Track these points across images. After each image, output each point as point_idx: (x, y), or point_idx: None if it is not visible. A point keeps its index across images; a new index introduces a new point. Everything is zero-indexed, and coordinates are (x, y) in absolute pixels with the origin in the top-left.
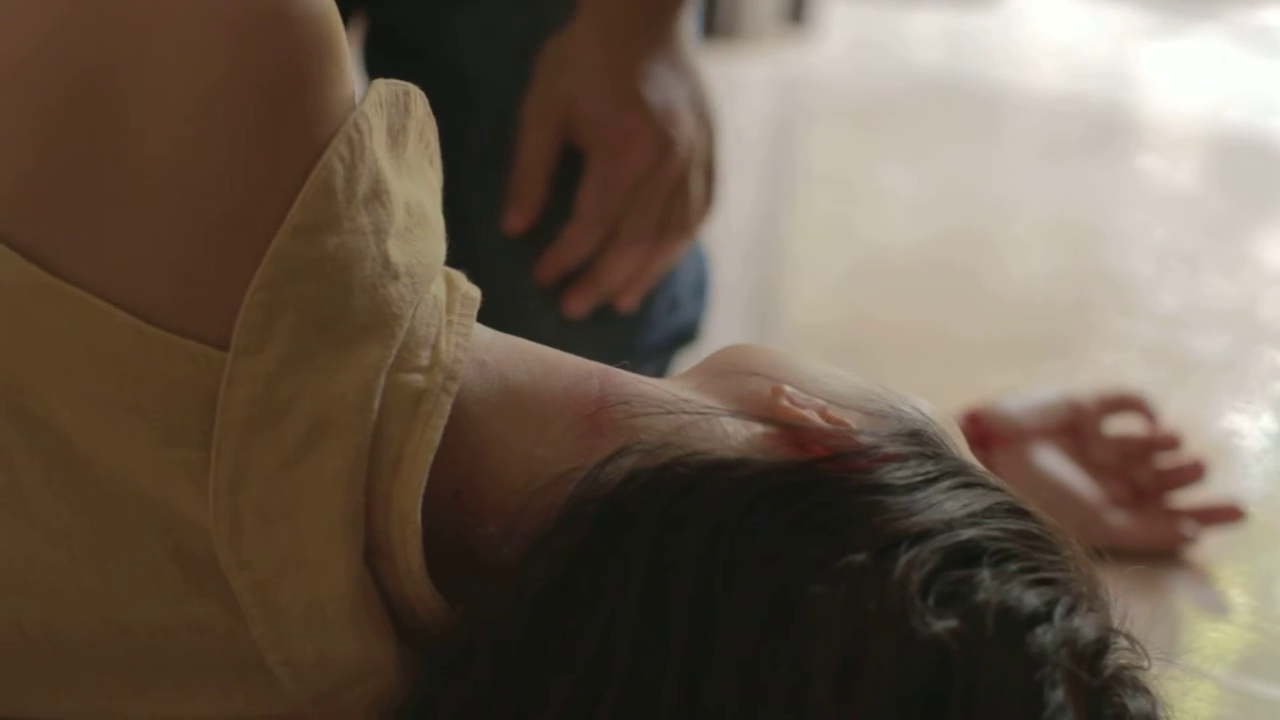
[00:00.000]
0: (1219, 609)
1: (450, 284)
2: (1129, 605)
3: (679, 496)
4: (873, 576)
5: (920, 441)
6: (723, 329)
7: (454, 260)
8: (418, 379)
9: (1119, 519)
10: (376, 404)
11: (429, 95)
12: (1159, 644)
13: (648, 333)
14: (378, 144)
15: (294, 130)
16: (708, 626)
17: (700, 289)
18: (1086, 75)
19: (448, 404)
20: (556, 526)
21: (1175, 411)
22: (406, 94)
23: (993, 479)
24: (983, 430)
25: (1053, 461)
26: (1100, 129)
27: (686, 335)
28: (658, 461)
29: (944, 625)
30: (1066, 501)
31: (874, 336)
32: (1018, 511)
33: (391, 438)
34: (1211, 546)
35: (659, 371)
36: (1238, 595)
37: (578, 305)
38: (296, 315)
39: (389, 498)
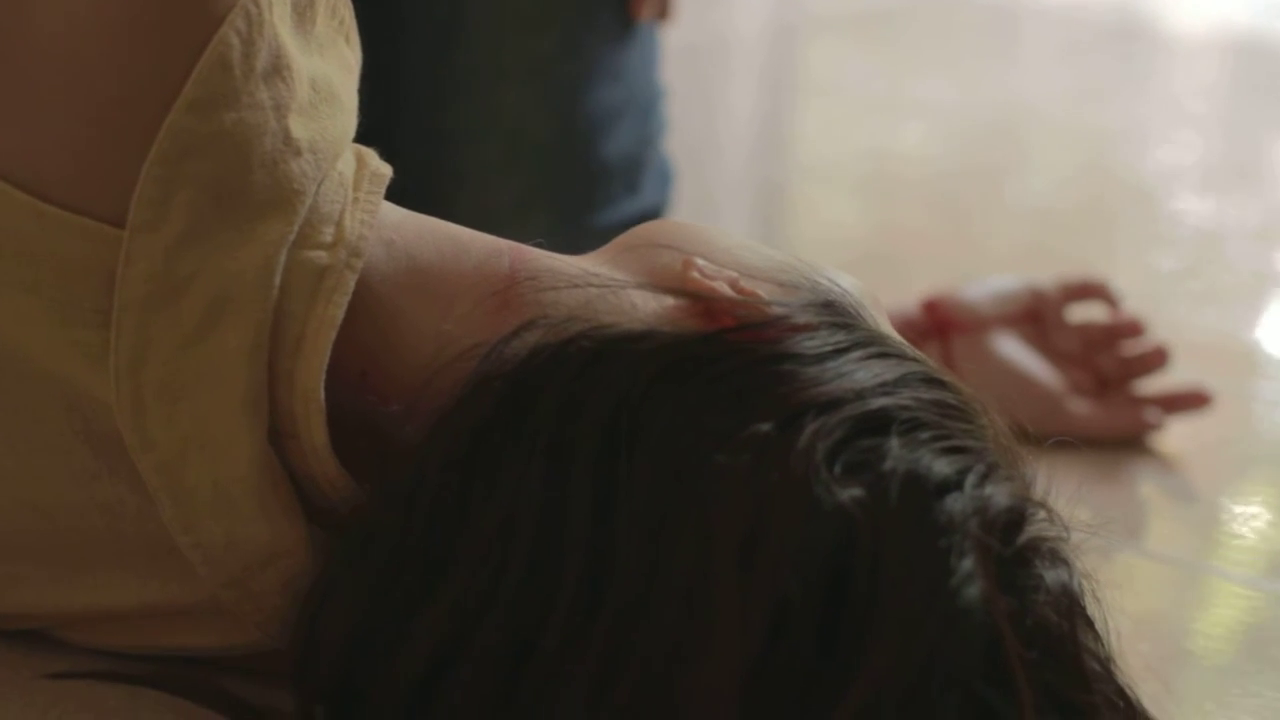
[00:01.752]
0: (1183, 496)
1: (360, 161)
2: (1054, 479)
3: (583, 370)
4: (777, 446)
5: (834, 312)
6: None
7: (419, 145)
8: (320, 255)
9: (1082, 407)
10: (277, 280)
11: None
12: (1121, 529)
13: (605, 213)
14: (279, 19)
15: (188, 5)
16: (610, 499)
17: (664, 177)
18: None
19: (351, 280)
20: (460, 403)
21: (1201, 318)
22: None
23: (909, 349)
24: (941, 318)
25: (1013, 349)
26: (1116, 34)
27: (648, 219)
28: (563, 335)
29: (849, 494)
30: (1028, 390)
31: (897, 244)
32: (932, 381)
33: (294, 315)
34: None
35: None
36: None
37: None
38: (193, 191)
39: (292, 376)
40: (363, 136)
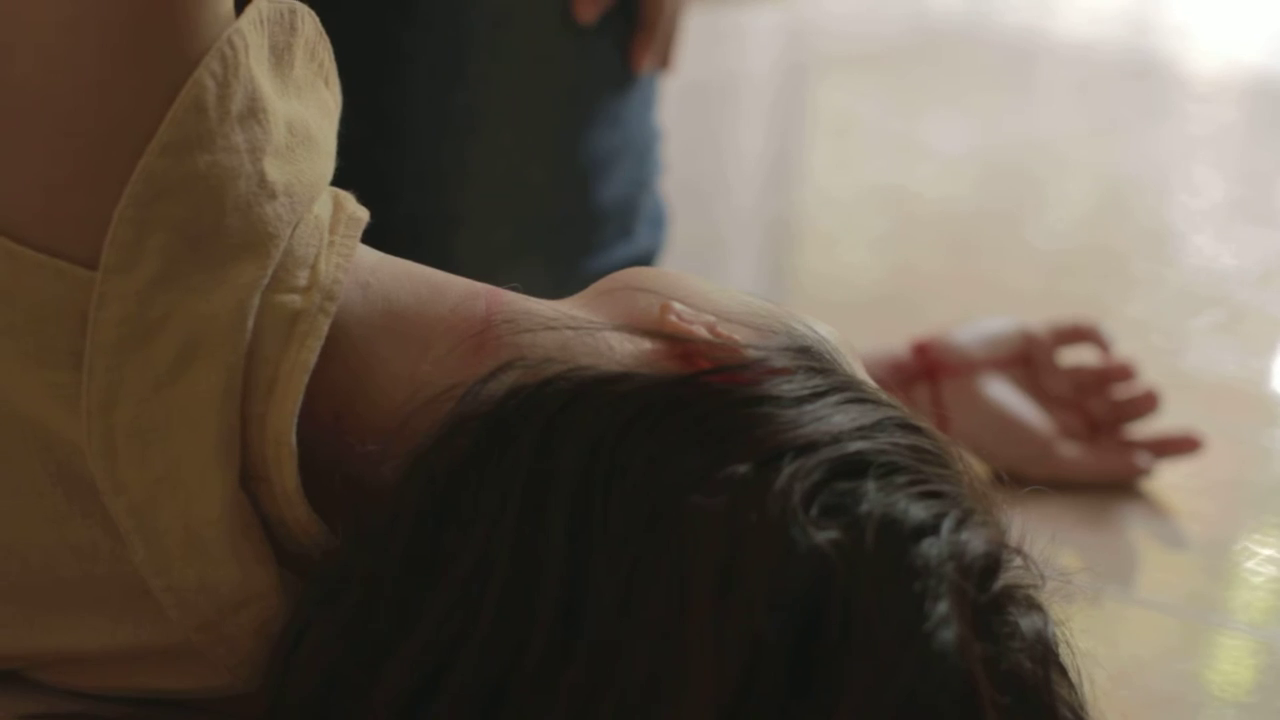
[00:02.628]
0: (1174, 542)
1: (337, 204)
2: (1025, 526)
3: (560, 411)
4: (754, 487)
5: (810, 357)
6: (737, 277)
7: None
8: (294, 299)
9: (1072, 450)
10: (250, 324)
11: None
12: (1112, 575)
13: (599, 257)
14: (255, 61)
15: (164, 46)
16: (586, 538)
17: (658, 220)
18: (1113, 20)
19: (324, 325)
20: (436, 443)
21: (1219, 363)
22: (292, 12)
23: (885, 396)
24: (931, 361)
25: (1003, 393)
26: (1131, 73)
27: (642, 264)
28: (540, 376)
29: (825, 536)
30: (1017, 433)
31: (910, 285)
32: (909, 427)
33: (267, 359)
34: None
35: None
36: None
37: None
38: (167, 234)
39: (264, 419)
40: (362, 176)
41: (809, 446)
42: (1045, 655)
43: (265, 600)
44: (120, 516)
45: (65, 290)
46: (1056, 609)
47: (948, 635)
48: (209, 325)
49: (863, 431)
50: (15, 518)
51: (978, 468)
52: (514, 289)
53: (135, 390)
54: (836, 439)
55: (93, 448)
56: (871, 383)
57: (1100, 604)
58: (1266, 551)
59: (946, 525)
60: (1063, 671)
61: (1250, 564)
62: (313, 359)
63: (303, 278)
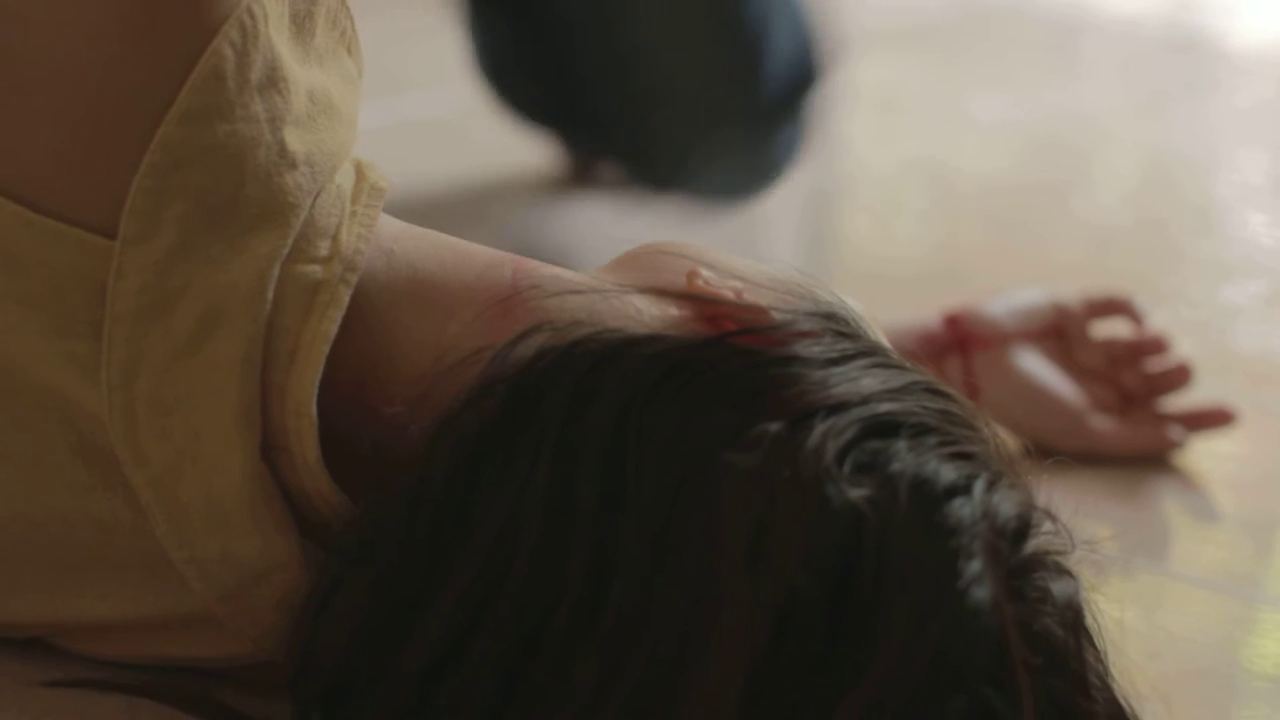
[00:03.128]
0: (1207, 516)
1: (359, 174)
2: (1055, 495)
3: (589, 372)
4: (787, 444)
5: (837, 322)
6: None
7: None
8: (315, 269)
9: (1104, 423)
10: (270, 294)
11: None
12: (1143, 549)
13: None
14: (275, 30)
15: (182, 15)
16: (617, 496)
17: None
18: None
19: (345, 295)
20: (465, 404)
21: (1259, 338)
22: None
23: (910, 363)
24: (962, 333)
25: (1035, 365)
26: (1176, 48)
27: (808, 76)
28: (568, 339)
29: (858, 493)
30: (1050, 405)
31: (954, 260)
32: (937, 391)
33: (287, 329)
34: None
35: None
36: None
37: None
38: (186, 204)
39: (284, 390)
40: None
41: (840, 406)
42: (1076, 621)
43: (287, 571)
44: (141, 488)
45: (84, 260)
46: (1087, 578)
47: (981, 593)
48: (229, 295)
49: (892, 394)
50: (37, 488)
51: (1009, 439)
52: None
53: (155, 361)
54: (866, 400)
55: (113, 419)
56: (894, 350)
57: (1132, 576)
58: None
59: (978, 486)
60: (1092, 639)
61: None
62: (333, 329)
63: (324, 248)
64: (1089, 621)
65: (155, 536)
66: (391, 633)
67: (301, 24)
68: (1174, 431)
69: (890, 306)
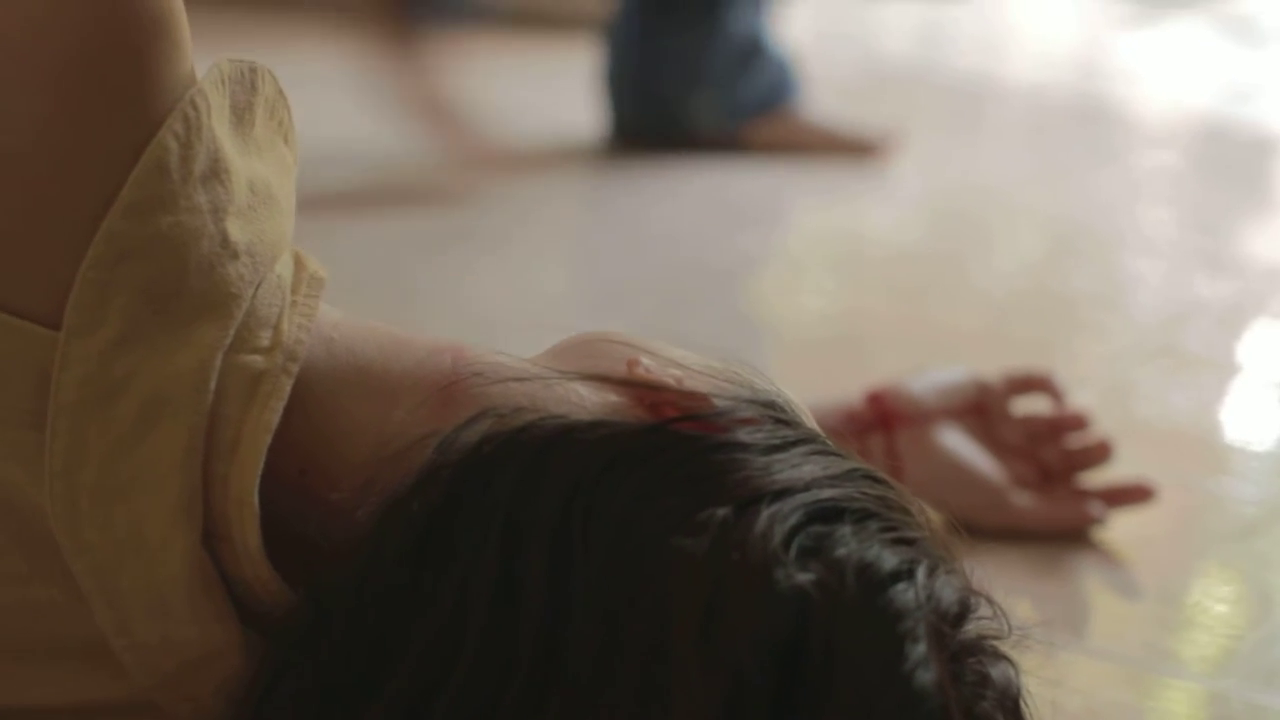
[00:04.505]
0: (1127, 591)
1: (298, 264)
2: (980, 573)
3: (535, 457)
4: (734, 529)
5: (775, 409)
6: (702, 321)
7: None
8: (257, 360)
9: (1025, 500)
10: (213, 384)
11: None
12: (1065, 625)
13: None
14: (218, 121)
15: (126, 107)
16: (565, 579)
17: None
18: (1063, 65)
19: (287, 385)
20: (412, 490)
21: (1169, 410)
22: (253, 71)
23: (848, 452)
24: (885, 410)
25: (957, 442)
26: (1081, 119)
27: None
28: (512, 425)
29: (805, 577)
30: (971, 482)
31: (864, 329)
32: (874, 478)
33: (229, 419)
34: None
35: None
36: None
37: None
38: (130, 295)
39: (226, 480)
40: None
41: (784, 492)
42: (1014, 705)
43: (227, 659)
44: (82, 577)
45: (27, 350)
46: (1018, 659)
47: (927, 676)
48: (172, 385)
49: (833, 480)
50: None
51: (934, 517)
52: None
53: (98, 451)
54: (809, 486)
55: (55, 509)
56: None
57: (1054, 654)
58: (1217, 602)
59: (921, 571)
60: None
61: (1202, 614)
62: (275, 419)
63: (265, 338)
64: (1024, 704)
65: (95, 623)
66: (340, 718)
67: (241, 115)
68: (1094, 507)
69: (805, 375)
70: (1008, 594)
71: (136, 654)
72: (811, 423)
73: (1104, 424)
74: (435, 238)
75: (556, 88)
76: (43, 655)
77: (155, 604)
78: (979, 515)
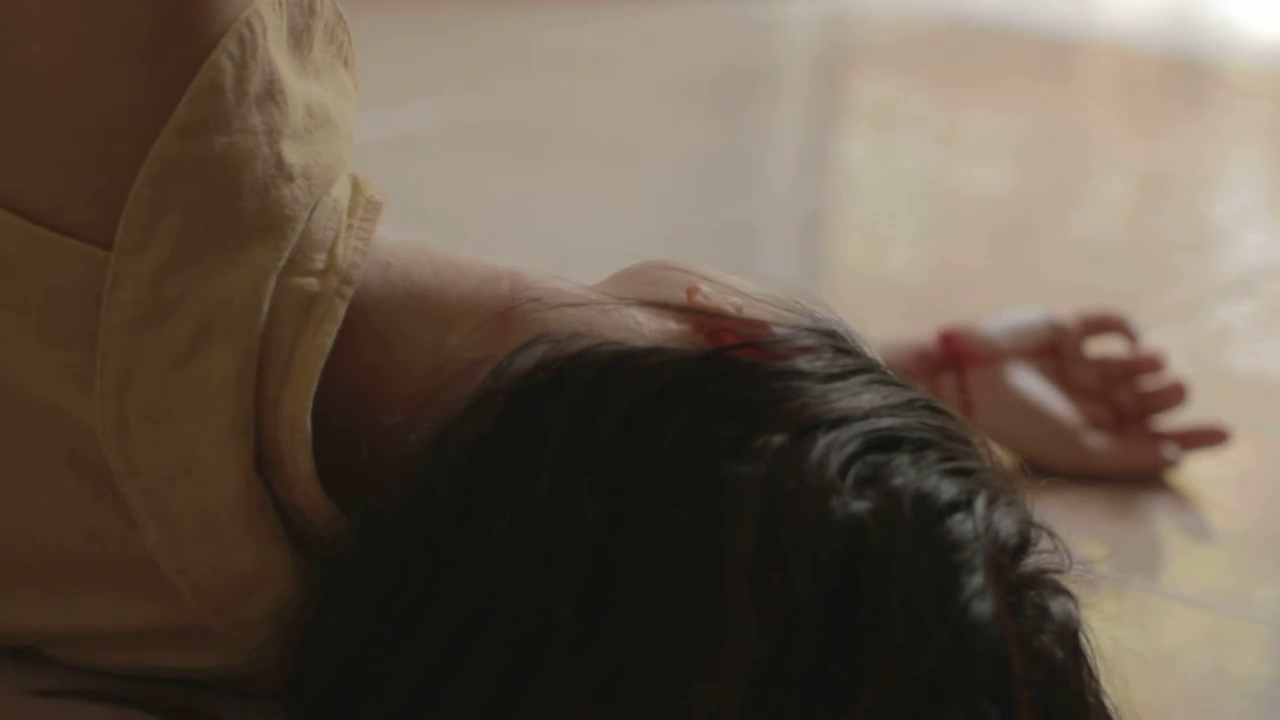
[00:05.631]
0: (1200, 534)
1: (356, 188)
2: (1050, 513)
3: (590, 384)
4: (791, 456)
5: (836, 338)
6: (771, 268)
7: None
8: (311, 283)
9: (1098, 441)
10: (265, 307)
11: None
12: (1137, 567)
13: None
14: (274, 43)
15: (180, 28)
16: (619, 506)
17: None
18: (1156, 13)
19: (341, 308)
20: (466, 415)
21: (1253, 358)
22: None
23: (908, 380)
24: (957, 350)
25: (1030, 382)
26: (1173, 69)
27: None
28: (568, 351)
29: (862, 505)
30: (1044, 423)
31: (950, 280)
32: (935, 409)
33: (282, 342)
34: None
35: None
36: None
37: None
38: (182, 215)
39: (279, 403)
40: None
41: (842, 420)
42: (1073, 639)
43: (279, 583)
44: (133, 499)
45: (79, 270)
46: (1082, 596)
47: (984, 607)
48: (224, 307)
49: (893, 409)
50: (27, 498)
51: (1003, 457)
52: None
53: (149, 372)
54: (868, 415)
55: (106, 430)
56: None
57: (1125, 595)
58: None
59: (979, 502)
60: (1088, 657)
61: (1275, 558)
62: (328, 343)
63: (320, 261)
64: (1086, 641)
65: (146, 547)
66: (388, 644)
67: (299, 37)
68: (1168, 450)
69: (883, 324)
70: (1080, 535)
71: (188, 578)
72: (873, 352)
73: (1194, 374)
74: None
75: None
76: (94, 579)
77: (207, 527)
78: (1051, 456)
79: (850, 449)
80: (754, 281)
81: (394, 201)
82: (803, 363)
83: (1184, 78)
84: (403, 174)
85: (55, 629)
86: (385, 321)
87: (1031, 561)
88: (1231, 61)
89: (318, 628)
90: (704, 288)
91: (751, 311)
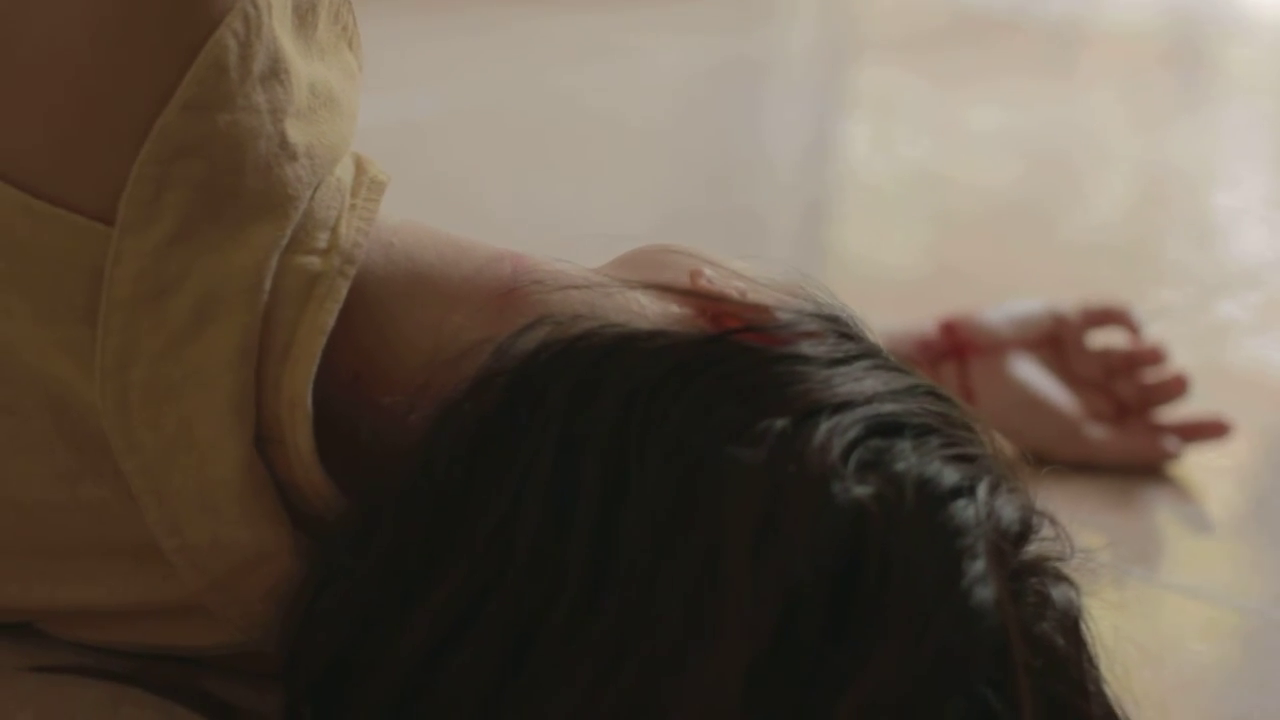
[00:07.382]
0: (1199, 525)
1: (359, 168)
2: (1051, 503)
3: (592, 365)
4: (793, 440)
5: (839, 323)
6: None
7: None
8: (313, 261)
9: (1099, 433)
10: (267, 285)
11: None
12: (1136, 557)
13: None
14: (279, 22)
15: (185, 5)
16: (620, 488)
17: None
18: (1159, 9)
19: (343, 288)
20: (467, 395)
21: (1253, 351)
22: None
23: (911, 368)
24: (959, 340)
25: (1031, 373)
26: (1175, 65)
27: None
28: (571, 332)
29: (863, 490)
30: (1045, 413)
31: (949, 272)
32: (938, 395)
33: (284, 321)
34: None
35: None
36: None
37: None
38: (185, 192)
39: (279, 382)
40: None
41: (844, 405)
42: (1074, 627)
43: (278, 561)
44: (133, 476)
45: (81, 245)
46: (1084, 585)
47: (985, 593)
48: (225, 285)
49: (895, 395)
50: (26, 474)
51: (1005, 446)
52: None
53: (150, 348)
54: (870, 400)
55: (106, 406)
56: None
57: (1125, 585)
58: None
59: (982, 488)
60: (1089, 644)
61: (1274, 550)
62: (330, 322)
63: (322, 240)
64: (1087, 629)
65: (145, 524)
66: (387, 623)
67: (304, 17)
68: (1169, 442)
69: (884, 314)
70: (1080, 525)
71: (186, 555)
72: (875, 338)
73: (1194, 367)
74: None
75: None
76: (92, 556)
77: (206, 505)
78: (1052, 447)
79: (852, 434)
80: (756, 266)
81: (398, 186)
82: (806, 347)
83: (1188, 71)
84: (407, 159)
85: (54, 606)
86: (387, 302)
87: (1033, 548)
88: (1236, 55)
89: (316, 607)
90: (708, 271)
91: (755, 296)
